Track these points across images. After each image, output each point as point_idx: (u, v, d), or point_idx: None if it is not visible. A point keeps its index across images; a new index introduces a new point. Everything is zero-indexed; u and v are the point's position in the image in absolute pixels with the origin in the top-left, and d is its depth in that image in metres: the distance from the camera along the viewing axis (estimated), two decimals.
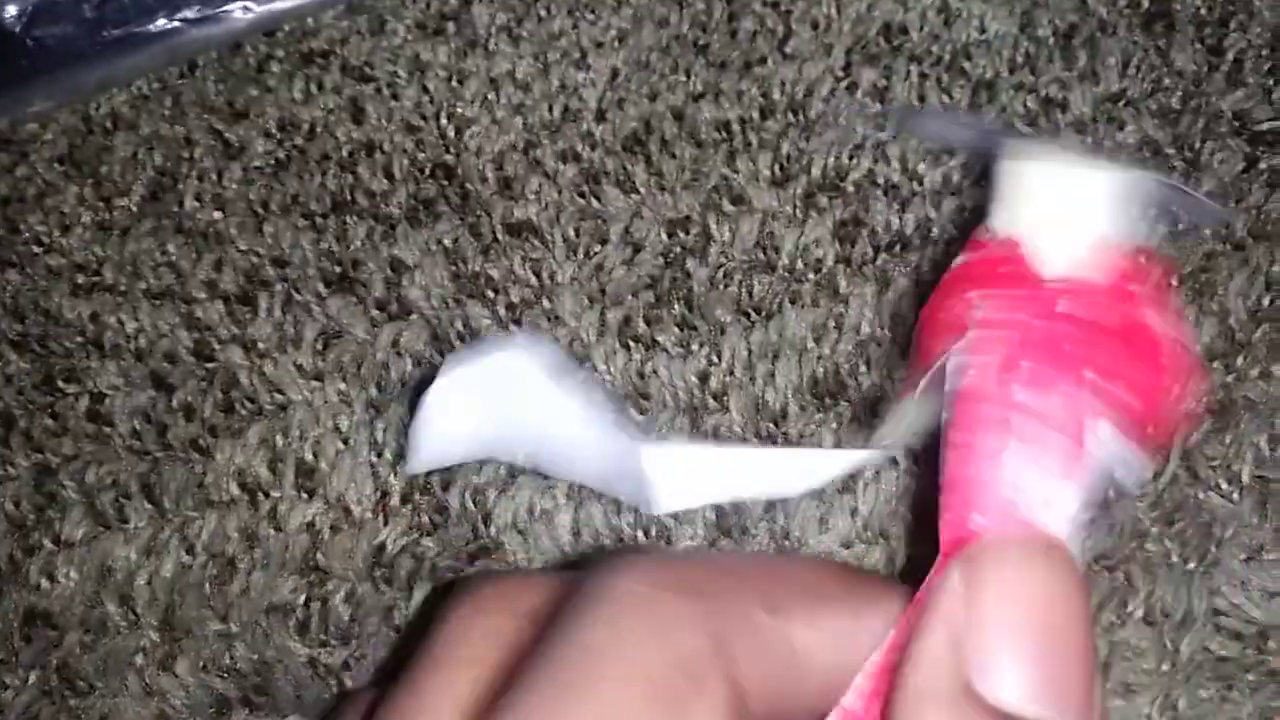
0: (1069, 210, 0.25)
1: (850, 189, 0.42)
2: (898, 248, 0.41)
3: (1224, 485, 0.36)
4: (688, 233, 0.41)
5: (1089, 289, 0.24)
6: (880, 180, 0.42)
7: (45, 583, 0.38)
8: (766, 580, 0.21)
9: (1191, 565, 0.35)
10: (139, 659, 0.37)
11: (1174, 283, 0.33)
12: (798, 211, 0.41)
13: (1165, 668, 0.34)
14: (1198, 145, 0.42)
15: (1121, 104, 0.43)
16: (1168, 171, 0.42)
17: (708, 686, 0.18)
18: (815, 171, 0.42)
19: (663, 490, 0.30)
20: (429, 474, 0.38)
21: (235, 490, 0.39)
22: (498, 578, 0.23)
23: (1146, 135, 0.43)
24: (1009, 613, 0.19)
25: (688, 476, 0.30)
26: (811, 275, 0.40)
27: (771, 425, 0.38)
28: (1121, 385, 0.23)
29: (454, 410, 0.31)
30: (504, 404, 0.31)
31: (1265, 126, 0.42)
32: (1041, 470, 0.22)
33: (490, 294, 0.41)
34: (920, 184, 0.42)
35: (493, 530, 0.37)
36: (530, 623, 0.20)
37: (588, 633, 0.19)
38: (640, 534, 0.37)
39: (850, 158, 0.42)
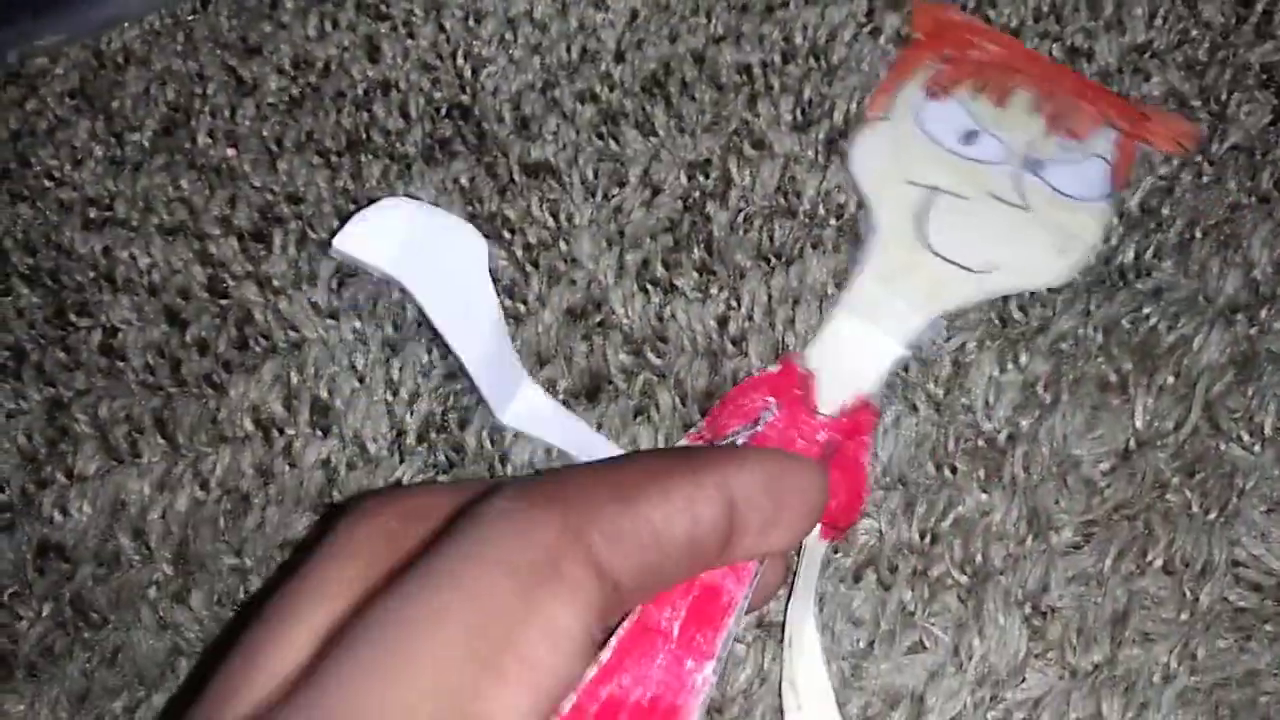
0: (851, 370, 0.37)
1: None
2: None
3: (1246, 437, 0.36)
4: (708, 176, 0.41)
5: (841, 429, 0.36)
6: None
7: (59, 516, 0.38)
8: (616, 475, 0.23)
9: (1212, 516, 0.35)
10: (152, 592, 0.36)
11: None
12: (819, 157, 0.41)
13: (1184, 617, 0.34)
14: (1224, 97, 0.41)
15: (1147, 55, 0.43)
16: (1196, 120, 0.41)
17: (568, 571, 0.21)
18: (838, 117, 0.41)
19: (516, 411, 0.37)
20: (445, 413, 0.38)
21: (249, 426, 0.38)
22: (393, 495, 0.24)
23: (1173, 87, 0.42)
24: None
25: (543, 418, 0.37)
26: (833, 221, 0.40)
27: None
28: (833, 503, 0.34)
29: (396, 220, 0.35)
30: (439, 252, 0.35)
31: None
32: None
33: (507, 235, 0.40)
34: None
35: (509, 470, 0.37)
36: (423, 524, 0.23)
37: (456, 543, 0.21)
38: None
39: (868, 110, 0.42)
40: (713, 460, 0.25)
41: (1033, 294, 0.38)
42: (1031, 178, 0.39)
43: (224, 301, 0.40)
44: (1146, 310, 0.38)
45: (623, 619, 0.24)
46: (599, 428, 0.37)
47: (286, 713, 0.19)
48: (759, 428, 0.35)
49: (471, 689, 0.19)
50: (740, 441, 0.34)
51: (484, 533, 0.21)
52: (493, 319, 0.35)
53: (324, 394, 0.38)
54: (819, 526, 0.34)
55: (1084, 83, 0.42)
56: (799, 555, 0.35)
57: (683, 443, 0.36)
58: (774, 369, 0.37)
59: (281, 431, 0.38)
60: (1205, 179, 0.40)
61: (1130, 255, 0.39)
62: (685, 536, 0.23)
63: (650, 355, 0.38)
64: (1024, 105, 0.41)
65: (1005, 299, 0.38)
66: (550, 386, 0.38)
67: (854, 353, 0.37)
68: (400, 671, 0.19)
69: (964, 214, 0.39)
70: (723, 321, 0.38)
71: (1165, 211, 0.40)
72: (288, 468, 0.37)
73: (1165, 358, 0.37)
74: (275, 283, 0.40)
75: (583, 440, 0.37)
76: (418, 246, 0.34)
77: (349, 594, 0.22)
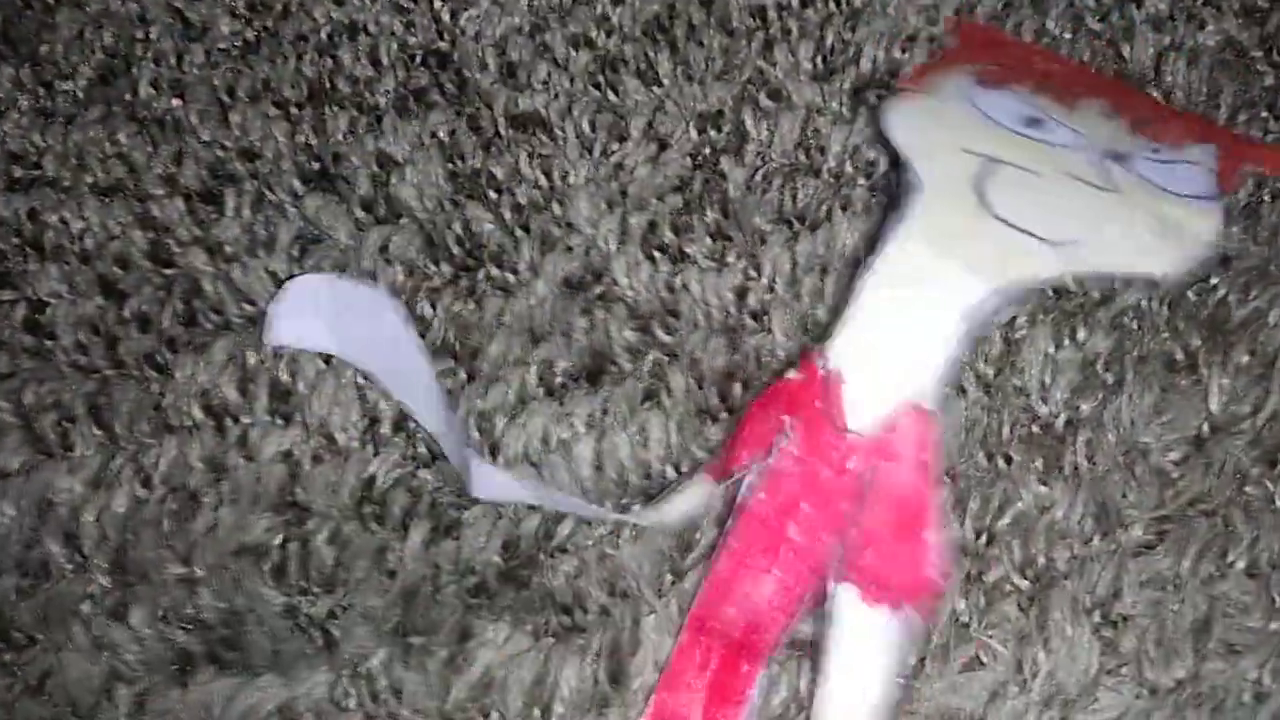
0: (894, 361, 0.29)
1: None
2: None
3: None
4: (720, 130, 0.37)
5: (885, 453, 0.28)
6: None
7: None
8: None
9: None
10: (86, 607, 0.32)
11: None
12: (844, 109, 0.37)
13: (1274, 626, 0.31)
14: None
15: (1202, 1, 0.39)
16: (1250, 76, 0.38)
17: None
18: (864, 65, 0.37)
19: (481, 482, 0.31)
20: None
21: (198, 414, 0.34)
22: None
23: (1230, 35, 0.38)
24: None
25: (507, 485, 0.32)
26: (862, 180, 0.36)
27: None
28: (875, 555, 0.27)
29: (311, 302, 0.33)
30: (358, 321, 0.33)
31: None
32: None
33: (493, 195, 0.36)
34: None
35: (500, 462, 0.32)
36: None
37: None
38: (670, 469, 0.32)
39: (903, 50, 0.38)
40: None
41: None
42: (1118, 167, 0.34)
43: (168, 271, 0.36)
44: (1214, 280, 0.34)
45: None
46: (603, 414, 0.32)
47: None
48: (770, 460, 0.29)
49: None
50: (750, 481, 0.28)
51: None
52: (433, 388, 0.33)
53: (285, 376, 0.34)
54: (856, 590, 0.27)
55: (1167, 108, 0.37)
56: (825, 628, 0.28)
57: (699, 480, 0.30)
58: (794, 374, 0.30)
59: (236, 420, 0.34)
60: (1272, 136, 0.36)
61: None
62: None
63: (659, 331, 0.34)
64: (1096, 109, 0.36)
65: None
66: (547, 367, 0.33)
67: (895, 337, 0.30)
68: None
69: (1035, 188, 0.33)
70: (741, 293, 0.34)
71: None
72: (243, 461, 0.33)
73: (1238, 333, 0.34)
74: (227, 249, 0.36)
75: (558, 499, 0.32)
76: (345, 321, 0.33)
77: None
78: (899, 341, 0.30)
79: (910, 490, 0.28)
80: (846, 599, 0.26)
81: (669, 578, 0.31)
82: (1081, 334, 0.33)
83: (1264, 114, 0.37)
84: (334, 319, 0.33)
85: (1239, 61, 0.38)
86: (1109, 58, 0.38)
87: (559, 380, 0.33)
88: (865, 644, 0.26)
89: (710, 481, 0.30)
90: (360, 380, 0.34)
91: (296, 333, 0.34)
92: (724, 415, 0.33)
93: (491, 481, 0.31)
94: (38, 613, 0.32)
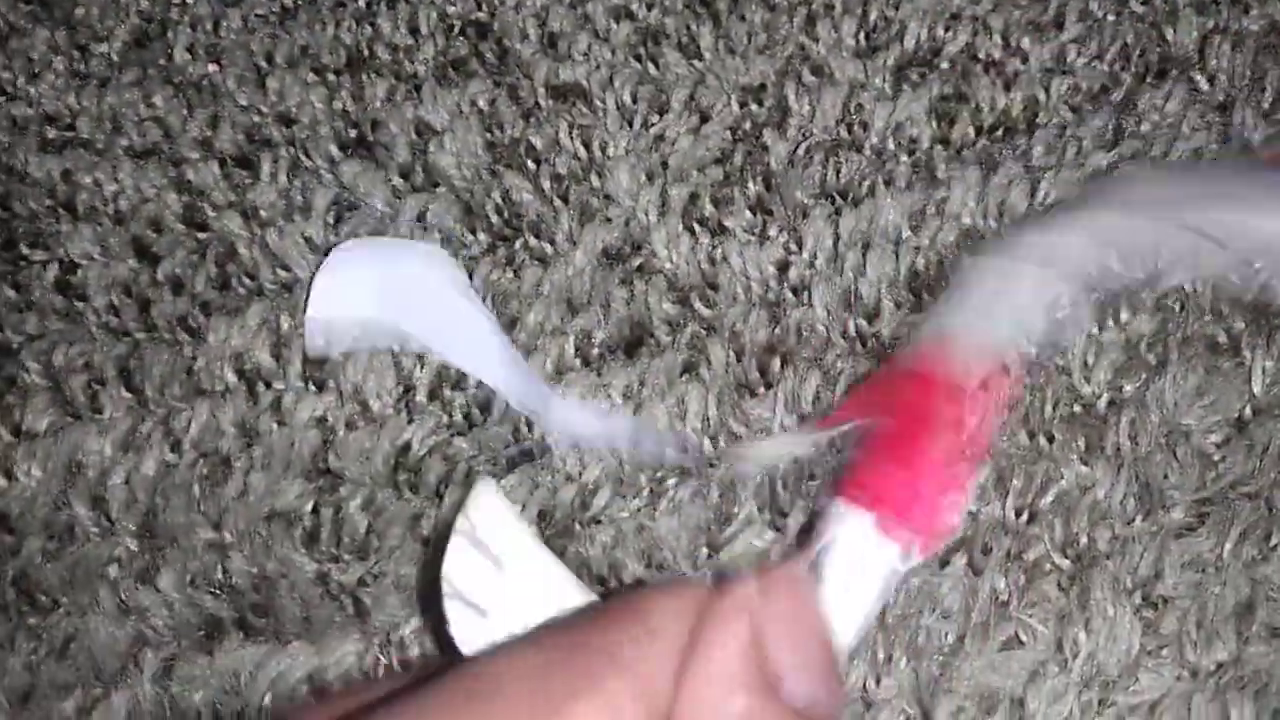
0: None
1: (946, 64, 0.37)
2: (1002, 130, 0.35)
3: None
4: (762, 104, 0.36)
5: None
6: (981, 55, 0.37)
7: (2, 480, 0.32)
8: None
9: None
10: (113, 570, 0.31)
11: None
12: (887, 85, 0.36)
13: None
14: None
15: None
16: None
17: None
18: (908, 42, 0.37)
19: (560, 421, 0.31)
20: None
21: (231, 378, 0.33)
22: None
23: (1274, 20, 0.38)
24: (793, 630, 0.19)
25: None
26: (905, 157, 0.35)
27: (863, 323, 0.33)
28: (908, 489, 0.24)
29: (359, 265, 0.33)
30: (416, 282, 0.33)
31: None
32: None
33: (532, 165, 0.35)
34: (1026, 61, 0.37)
35: (537, 432, 0.32)
36: None
37: None
38: (707, 442, 0.32)
39: (946, 29, 0.37)
40: (614, 643, 0.18)
41: None
42: None
43: (203, 235, 0.35)
44: (1257, 264, 0.34)
45: None
46: (641, 385, 0.32)
47: None
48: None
49: None
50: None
51: None
52: (496, 336, 0.32)
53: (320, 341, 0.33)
54: (873, 518, 0.24)
55: None
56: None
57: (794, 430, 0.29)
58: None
59: (269, 385, 0.33)
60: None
61: None
62: None
63: (699, 304, 0.33)
64: None
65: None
66: (585, 338, 0.33)
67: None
68: None
69: None
70: (783, 267, 0.34)
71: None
72: (275, 426, 0.33)
73: None
74: (263, 214, 0.35)
75: (635, 438, 0.32)
76: (394, 283, 0.33)
77: None
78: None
79: (965, 443, 0.26)
80: (857, 524, 0.24)
81: (705, 551, 0.30)
82: (1125, 315, 0.33)
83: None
84: (380, 284, 0.33)
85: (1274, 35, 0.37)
86: (1152, 40, 0.37)
87: (596, 351, 0.33)
88: (863, 578, 0.24)
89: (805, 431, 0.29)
90: (395, 348, 0.33)
91: (340, 304, 0.33)
92: (763, 390, 0.32)
93: (572, 418, 0.31)
94: (63, 575, 0.31)
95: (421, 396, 0.32)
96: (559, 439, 0.32)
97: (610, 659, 0.18)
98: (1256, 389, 0.32)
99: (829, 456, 0.29)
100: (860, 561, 0.23)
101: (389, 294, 0.33)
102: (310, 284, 0.33)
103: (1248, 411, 0.32)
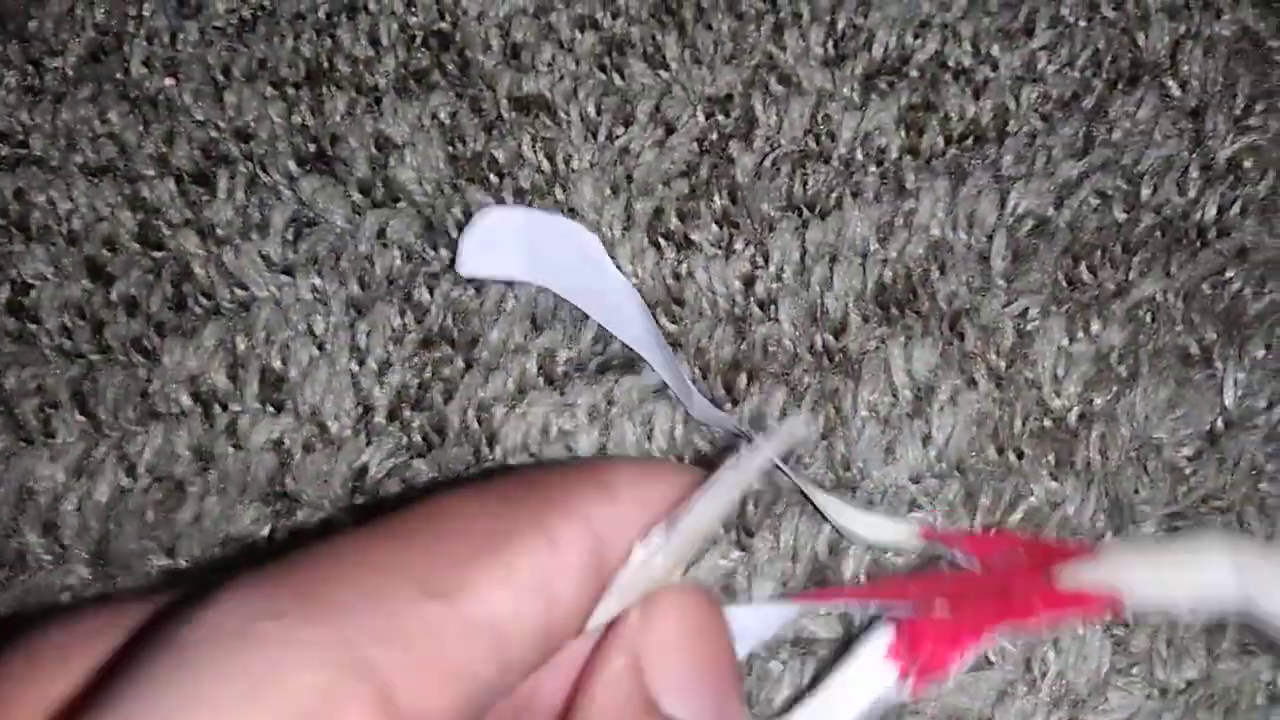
0: None
1: (915, 72, 0.36)
2: (972, 139, 0.35)
3: None
4: (728, 115, 0.35)
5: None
6: (950, 63, 0.36)
7: None
8: (429, 545, 0.16)
9: None
10: (65, 599, 0.31)
11: None
12: (855, 95, 0.36)
13: None
14: None
15: None
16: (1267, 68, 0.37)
17: None
18: (876, 50, 0.36)
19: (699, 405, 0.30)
20: (422, 386, 0.32)
21: (186, 401, 0.33)
22: (69, 620, 0.17)
23: (1246, 25, 0.37)
24: (687, 642, 0.19)
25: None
26: (873, 167, 0.35)
27: (830, 337, 0.32)
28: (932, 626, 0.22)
29: (503, 232, 0.32)
30: (555, 248, 0.32)
31: None
32: None
33: (494, 178, 0.35)
34: (995, 69, 0.36)
35: (499, 453, 0.31)
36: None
37: (159, 697, 0.13)
38: (673, 460, 0.31)
39: (915, 37, 0.37)
40: (568, 493, 0.18)
41: (1104, 252, 0.33)
42: None
43: (158, 253, 0.35)
44: (1230, 273, 0.33)
45: None
46: (609, 404, 0.31)
47: None
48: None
49: None
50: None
51: (202, 678, 0.14)
52: (646, 314, 0.32)
53: (276, 363, 0.33)
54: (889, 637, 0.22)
55: None
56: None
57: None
58: None
59: (225, 407, 0.33)
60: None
61: (1212, 212, 0.34)
62: (536, 630, 0.16)
63: (664, 320, 0.33)
64: None
65: (1075, 260, 0.33)
66: (549, 356, 0.32)
67: None
68: None
69: None
70: (748, 281, 0.33)
71: (1248, 164, 0.35)
72: (231, 450, 0.32)
73: (1254, 326, 0.32)
74: (219, 232, 0.35)
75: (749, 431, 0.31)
76: (541, 251, 0.32)
77: None
78: None
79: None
80: (875, 642, 0.23)
81: None
82: (1095, 326, 0.32)
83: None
84: (530, 248, 0.32)
85: (1255, 51, 0.37)
86: (1124, 46, 0.37)
87: (561, 370, 0.32)
88: (862, 691, 0.23)
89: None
90: (354, 368, 0.33)
91: (489, 263, 0.33)
92: (729, 406, 0.32)
93: (705, 406, 0.31)
94: (14, 604, 0.31)
95: (380, 418, 0.32)
96: (700, 415, 0.31)
97: (562, 505, 0.17)
98: (1228, 401, 0.32)
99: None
100: (866, 676, 0.22)
101: (540, 260, 0.32)
102: (459, 244, 0.33)
103: (1219, 424, 0.32)
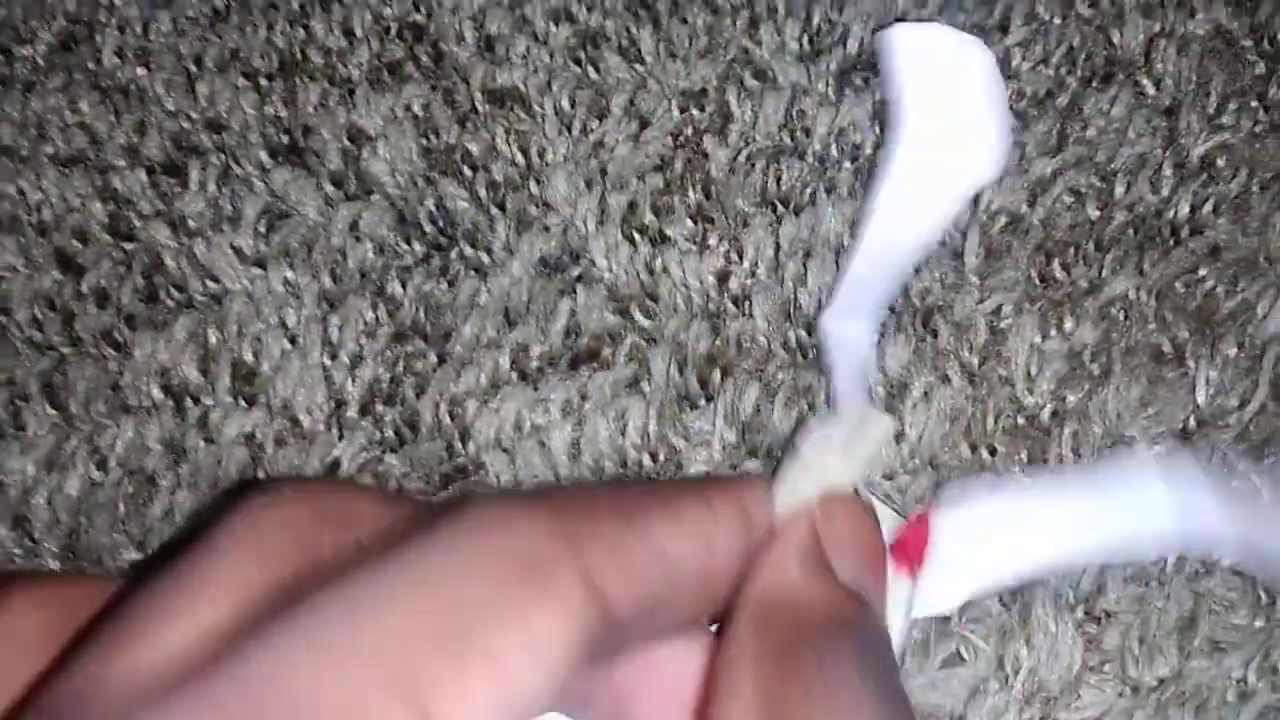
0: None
1: None
2: None
3: None
4: (703, 109, 0.35)
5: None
6: None
7: None
8: (617, 493, 0.20)
9: None
10: None
11: None
12: (830, 90, 0.35)
13: (1259, 624, 0.30)
14: None
15: None
16: (1242, 67, 0.37)
17: (558, 581, 0.17)
18: (850, 46, 0.36)
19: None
20: (394, 380, 0.32)
21: (157, 394, 0.32)
22: (312, 487, 0.20)
23: (1220, 24, 0.37)
24: (857, 535, 0.23)
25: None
26: (848, 164, 0.35)
27: (804, 334, 0.32)
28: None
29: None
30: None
31: None
32: None
33: (468, 171, 0.35)
34: None
35: (471, 448, 0.31)
36: (344, 530, 0.18)
37: (422, 538, 0.17)
38: (647, 457, 0.31)
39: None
40: (728, 486, 0.22)
41: (1077, 249, 0.33)
42: None
43: (129, 245, 0.34)
44: (1202, 271, 0.33)
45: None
46: (583, 399, 0.31)
47: (190, 687, 0.15)
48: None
49: (428, 681, 0.16)
50: None
51: (458, 529, 0.17)
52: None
53: (248, 356, 0.33)
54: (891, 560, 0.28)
55: None
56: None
57: None
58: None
59: (196, 400, 0.32)
60: (1261, 127, 0.36)
61: (1185, 210, 0.34)
62: (698, 569, 0.20)
63: (639, 315, 0.33)
64: None
65: (1048, 257, 0.33)
66: (522, 351, 0.32)
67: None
68: (345, 652, 0.16)
69: None
70: (723, 277, 0.33)
71: (1221, 162, 0.35)
72: (203, 444, 0.32)
73: (1226, 325, 0.33)
74: (191, 223, 0.34)
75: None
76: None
77: (242, 592, 0.17)
78: None
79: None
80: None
81: None
82: (1069, 324, 0.32)
83: (1254, 104, 0.36)
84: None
85: (1228, 50, 0.37)
86: (1098, 44, 0.37)
87: (535, 364, 0.32)
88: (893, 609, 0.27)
89: None
90: (326, 362, 0.32)
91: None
92: (704, 402, 0.32)
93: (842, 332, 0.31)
94: None
95: (352, 412, 0.32)
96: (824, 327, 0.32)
97: (719, 487, 0.22)
98: (1201, 399, 0.32)
99: None
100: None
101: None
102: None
103: (1192, 422, 0.32)
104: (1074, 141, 0.35)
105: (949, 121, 0.33)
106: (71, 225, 0.34)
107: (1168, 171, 0.35)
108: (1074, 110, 0.36)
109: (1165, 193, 0.34)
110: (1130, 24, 0.37)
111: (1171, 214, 0.34)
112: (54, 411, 0.32)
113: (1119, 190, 0.34)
